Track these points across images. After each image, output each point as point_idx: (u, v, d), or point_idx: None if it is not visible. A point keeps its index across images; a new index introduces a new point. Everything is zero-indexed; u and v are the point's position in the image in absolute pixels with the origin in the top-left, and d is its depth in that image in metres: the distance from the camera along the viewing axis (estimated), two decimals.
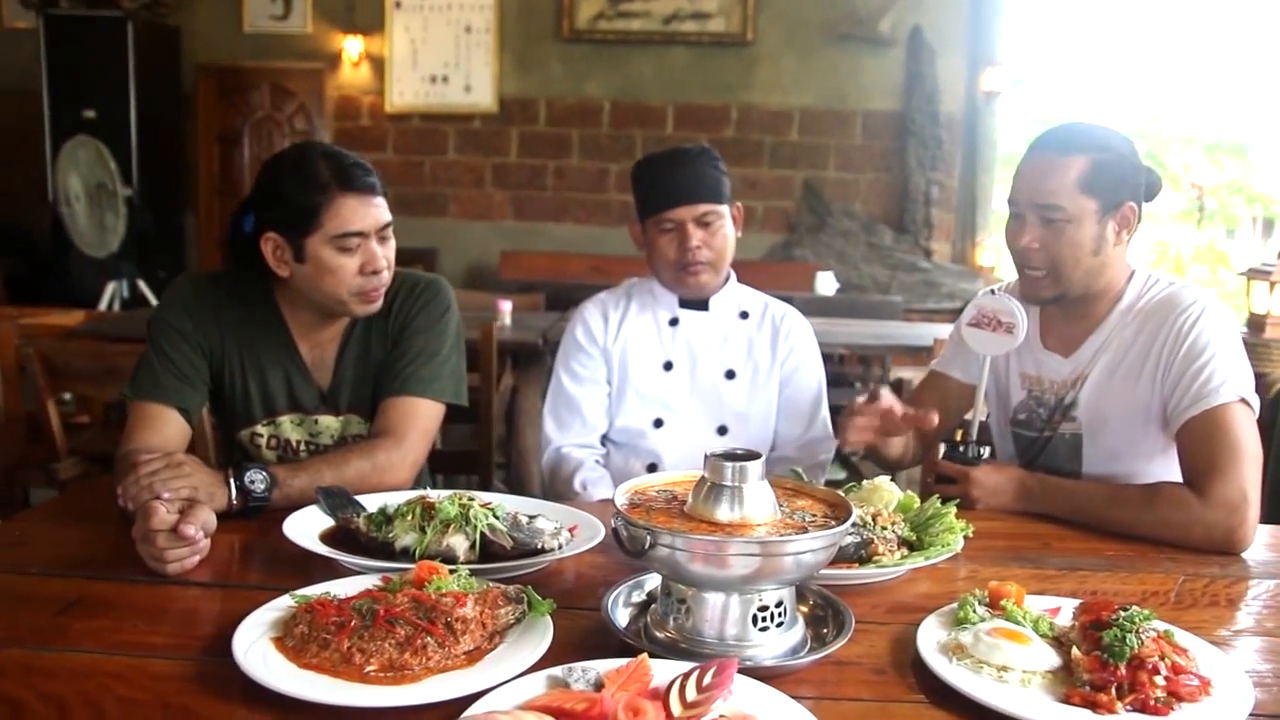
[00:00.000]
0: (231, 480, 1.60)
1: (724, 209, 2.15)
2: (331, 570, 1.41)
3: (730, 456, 1.19)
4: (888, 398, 1.78)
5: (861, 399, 1.82)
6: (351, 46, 7.57)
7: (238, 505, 1.60)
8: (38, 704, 1.04)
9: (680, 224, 2.12)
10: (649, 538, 1.13)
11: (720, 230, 2.15)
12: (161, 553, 1.36)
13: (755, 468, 1.19)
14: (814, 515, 1.22)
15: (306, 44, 7.68)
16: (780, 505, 1.23)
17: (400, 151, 7.77)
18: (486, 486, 2.44)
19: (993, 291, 1.82)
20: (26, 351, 3.07)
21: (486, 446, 2.48)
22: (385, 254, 1.80)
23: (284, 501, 1.63)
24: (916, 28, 7.45)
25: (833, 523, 1.20)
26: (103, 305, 6.42)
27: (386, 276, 1.82)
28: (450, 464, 3.22)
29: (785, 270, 7.39)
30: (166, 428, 1.77)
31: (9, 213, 7.58)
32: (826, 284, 6.64)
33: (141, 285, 6.67)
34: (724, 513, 1.18)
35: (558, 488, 2.15)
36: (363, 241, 1.77)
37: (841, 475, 4.58)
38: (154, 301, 6.64)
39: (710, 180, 2.12)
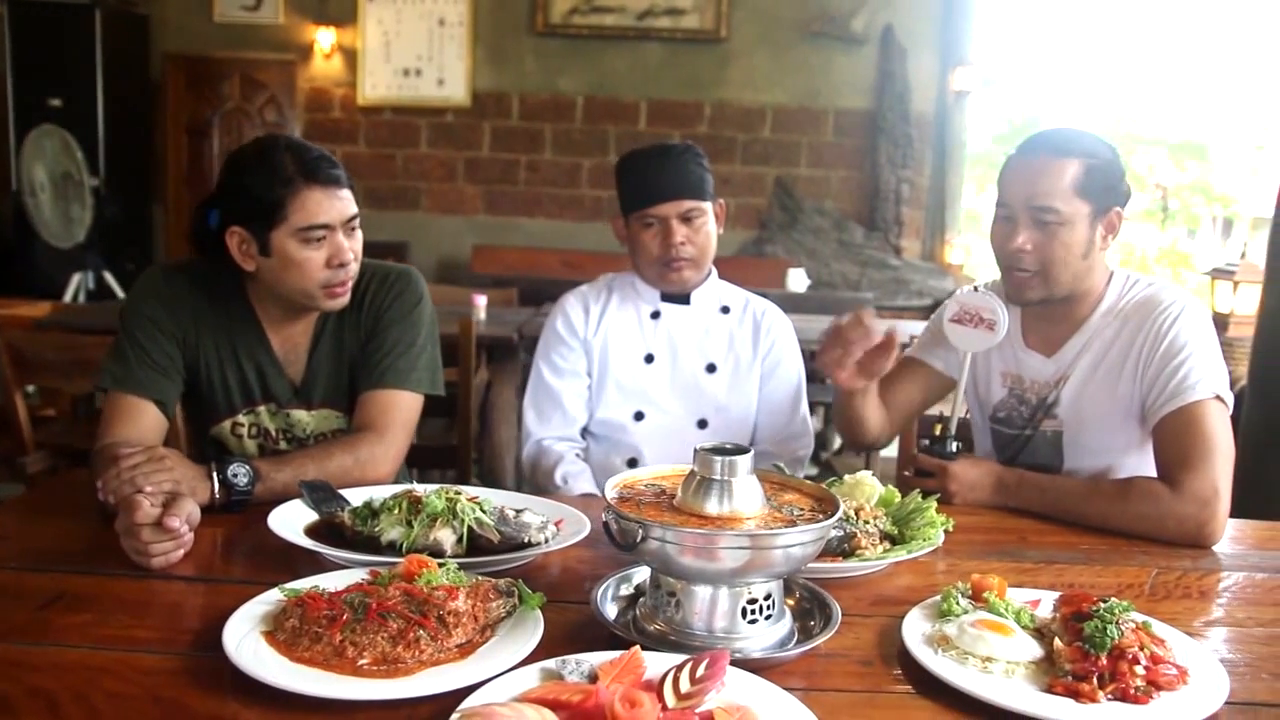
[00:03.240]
0: (214, 474, 1.59)
1: (707, 205, 2.16)
2: (316, 564, 1.41)
3: (719, 451, 1.20)
4: (873, 324, 1.72)
5: (845, 319, 1.73)
6: (323, 38, 7.50)
7: (220, 499, 1.59)
8: (26, 699, 1.03)
9: (664, 220, 2.13)
10: (641, 531, 1.14)
11: (703, 227, 2.16)
12: (146, 546, 1.35)
13: (744, 462, 1.20)
14: (802, 509, 1.24)
15: (278, 35, 7.60)
16: (768, 499, 1.24)
17: (372, 145, 7.72)
18: (464, 481, 2.43)
19: (976, 288, 1.84)
20: None
21: (465, 441, 2.48)
22: (353, 246, 1.79)
23: (267, 495, 1.62)
24: (888, 27, 7.50)
25: (820, 516, 1.21)
26: (67, 297, 6.33)
27: (354, 269, 1.80)
28: (425, 459, 3.21)
29: (757, 266, 7.42)
30: (143, 420, 1.76)
31: None
32: (798, 280, 6.67)
33: (108, 277, 6.58)
34: (713, 506, 1.19)
35: (538, 481, 2.15)
36: (329, 234, 1.75)
37: (814, 471, 4.61)
38: (120, 294, 6.55)
39: (694, 177, 2.14)
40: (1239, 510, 1.77)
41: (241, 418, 1.89)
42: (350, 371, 1.91)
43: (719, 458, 1.20)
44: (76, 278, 6.44)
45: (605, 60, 7.72)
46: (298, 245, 1.74)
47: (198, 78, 7.71)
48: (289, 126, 7.71)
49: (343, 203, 1.77)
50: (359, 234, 1.82)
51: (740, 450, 1.21)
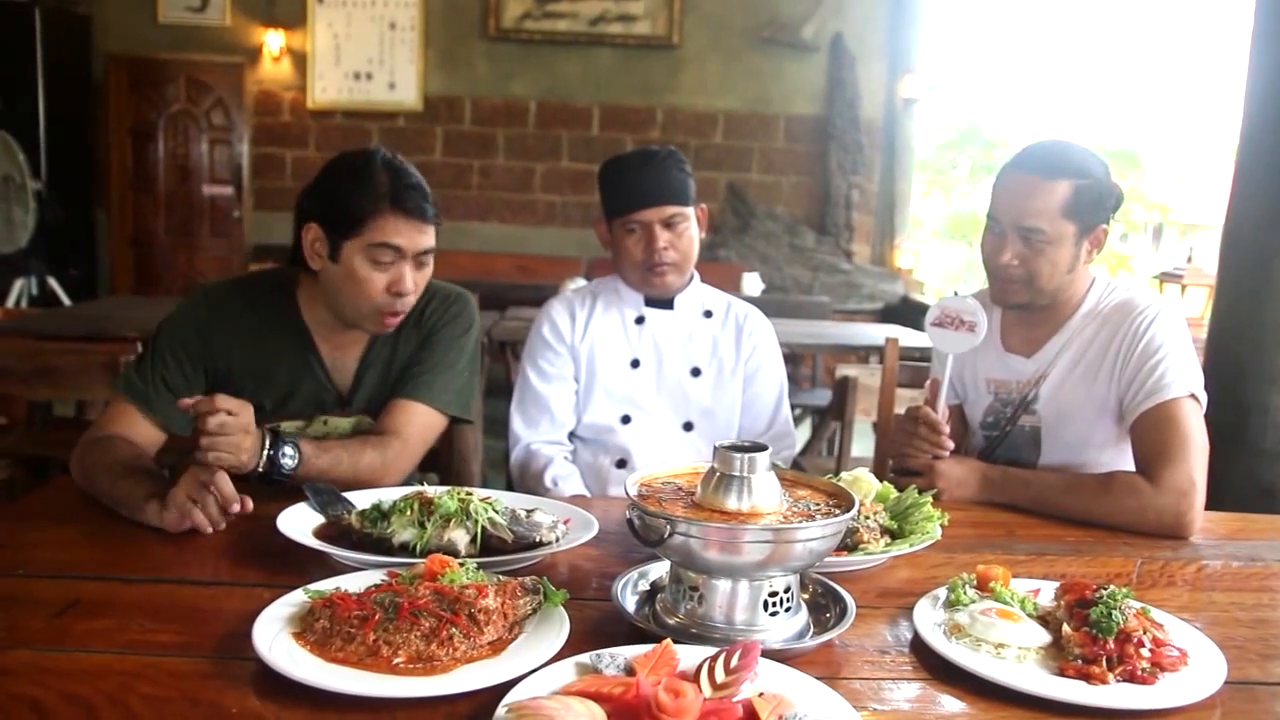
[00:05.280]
0: (266, 448, 1.61)
1: (689, 210, 2.20)
2: (326, 567, 1.41)
3: (739, 448, 1.24)
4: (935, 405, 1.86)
5: (920, 409, 1.87)
6: (272, 41, 7.42)
7: (263, 469, 1.60)
8: (62, 705, 1.03)
9: (647, 225, 2.16)
10: (668, 527, 1.17)
11: (686, 232, 2.19)
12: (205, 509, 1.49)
13: (763, 459, 1.23)
14: (818, 504, 1.28)
15: (225, 37, 7.50)
16: (784, 495, 1.28)
17: (322, 149, 7.64)
18: (446, 484, 2.43)
19: (955, 293, 1.90)
20: None
21: (447, 445, 2.47)
22: (417, 279, 1.81)
23: (302, 477, 1.65)
24: (838, 34, 7.63)
25: (837, 511, 1.25)
26: (10, 303, 6.17)
27: (410, 301, 1.82)
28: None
29: (711, 271, 7.40)
30: (142, 431, 1.78)
31: None
32: (752, 285, 6.76)
33: (52, 282, 6.43)
34: (734, 502, 1.22)
35: (528, 484, 2.16)
36: (397, 260, 1.76)
37: None
38: (65, 300, 6.41)
39: (677, 183, 2.17)
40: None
41: (287, 425, 1.87)
42: (393, 381, 1.93)
43: (739, 455, 1.23)
44: (19, 283, 6.28)
45: (557, 65, 7.74)
46: (364, 261, 1.76)
47: (141, 79, 7.57)
48: (237, 130, 7.61)
49: (422, 235, 1.78)
50: (429, 269, 1.84)
51: (758, 447, 1.24)
